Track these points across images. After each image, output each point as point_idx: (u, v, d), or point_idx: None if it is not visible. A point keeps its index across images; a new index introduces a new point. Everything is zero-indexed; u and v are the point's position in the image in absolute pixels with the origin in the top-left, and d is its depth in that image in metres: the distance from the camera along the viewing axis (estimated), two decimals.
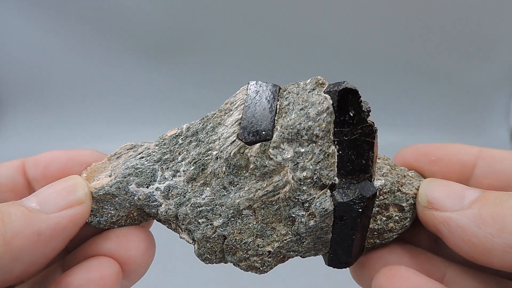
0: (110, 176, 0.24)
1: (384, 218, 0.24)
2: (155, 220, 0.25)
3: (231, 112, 0.23)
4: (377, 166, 0.24)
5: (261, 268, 0.24)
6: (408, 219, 0.24)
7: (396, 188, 0.24)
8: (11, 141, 0.88)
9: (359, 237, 0.22)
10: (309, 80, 0.23)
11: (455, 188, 0.22)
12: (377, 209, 0.24)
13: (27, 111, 0.89)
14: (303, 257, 0.25)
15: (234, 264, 0.24)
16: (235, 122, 0.22)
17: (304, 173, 0.21)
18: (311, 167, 0.21)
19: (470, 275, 0.23)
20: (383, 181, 0.24)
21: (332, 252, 0.23)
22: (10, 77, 0.86)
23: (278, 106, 0.22)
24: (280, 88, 0.23)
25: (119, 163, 0.24)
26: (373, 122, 0.22)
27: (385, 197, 0.24)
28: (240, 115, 0.22)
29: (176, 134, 0.24)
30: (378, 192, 0.23)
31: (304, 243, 0.23)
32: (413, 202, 0.24)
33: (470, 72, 0.86)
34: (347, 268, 0.26)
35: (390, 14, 0.79)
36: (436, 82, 0.86)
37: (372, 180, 0.22)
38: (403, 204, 0.24)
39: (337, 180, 0.22)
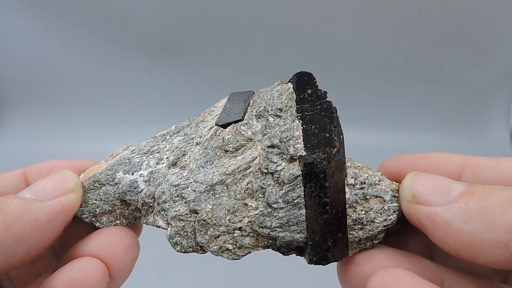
0: None
1: (365, 209, 0.23)
2: (143, 224, 0.26)
3: (213, 112, 0.26)
4: (351, 162, 0.25)
5: (233, 250, 0.23)
6: (392, 211, 0.23)
7: (374, 181, 0.24)
8: (11, 142, 0.88)
9: (335, 215, 0.22)
10: (276, 82, 0.26)
11: (440, 182, 0.21)
12: (355, 197, 0.23)
13: (27, 112, 0.89)
14: (284, 251, 0.24)
15: (205, 248, 0.23)
16: (216, 116, 0.26)
17: (271, 140, 0.23)
18: (278, 134, 0.23)
19: (470, 281, 0.22)
20: (357, 171, 0.24)
21: (309, 236, 0.22)
22: (10, 78, 0.87)
23: (251, 102, 0.26)
24: (254, 92, 0.26)
25: (114, 160, 0.26)
26: (331, 101, 0.24)
27: (362, 186, 0.23)
28: (220, 111, 0.26)
29: (165, 133, 0.27)
30: (353, 180, 0.23)
31: (276, 216, 0.23)
32: (395, 194, 0.23)
33: (470, 72, 0.86)
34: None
35: (389, 14, 0.79)
36: (435, 82, 0.87)
37: (339, 154, 0.23)
38: (383, 196, 0.23)
39: (304, 154, 0.23)
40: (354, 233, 0.23)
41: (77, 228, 0.26)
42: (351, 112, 0.88)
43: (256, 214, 0.23)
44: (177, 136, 0.26)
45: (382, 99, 0.88)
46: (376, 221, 0.23)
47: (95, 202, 0.25)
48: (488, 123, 0.90)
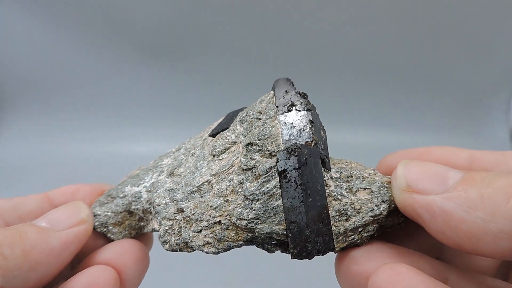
0: None
1: (351, 201, 0.23)
2: (146, 232, 0.28)
3: (211, 128, 0.28)
4: (339, 160, 0.25)
5: (213, 244, 0.23)
6: (381, 201, 0.23)
7: (363, 175, 0.24)
8: (11, 142, 0.88)
9: (312, 203, 0.21)
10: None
11: (436, 169, 0.20)
12: (340, 190, 0.23)
13: (28, 112, 0.89)
14: (267, 247, 0.24)
15: (189, 243, 0.24)
16: (210, 131, 0.27)
17: (250, 138, 0.24)
18: (256, 133, 0.24)
19: (473, 279, 0.21)
20: (344, 166, 0.24)
21: (288, 228, 0.22)
22: (11, 78, 0.87)
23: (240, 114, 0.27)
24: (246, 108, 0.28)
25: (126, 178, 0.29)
26: (308, 100, 0.24)
27: (348, 180, 0.23)
28: (215, 127, 0.27)
29: (169, 151, 0.29)
30: (338, 174, 0.23)
31: (253, 208, 0.23)
32: (385, 185, 0.23)
33: (470, 72, 0.86)
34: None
35: (389, 14, 0.79)
36: (435, 82, 0.87)
37: (318, 147, 0.23)
38: (371, 187, 0.23)
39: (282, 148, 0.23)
40: (339, 224, 0.23)
41: (90, 239, 0.27)
42: (351, 112, 0.88)
43: (235, 207, 0.23)
44: (178, 152, 0.28)
45: (382, 99, 0.88)
46: (363, 211, 0.23)
47: (107, 214, 0.28)
48: (488, 123, 0.90)
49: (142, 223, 0.28)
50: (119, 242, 0.26)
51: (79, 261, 0.27)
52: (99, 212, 0.28)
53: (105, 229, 0.28)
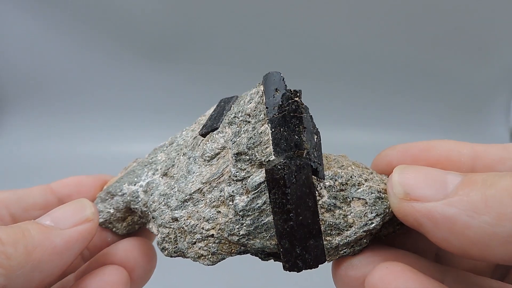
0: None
1: (344, 213, 0.22)
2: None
3: (201, 121, 0.27)
4: (334, 159, 0.24)
5: (207, 256, 0.23)
6: (375, 214, 0.22)
7: (359, 181, 0.23)
8: (15, 143, 0.88)
9: (302, 222, 0.21)
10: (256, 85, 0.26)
11: (433, 174, 0.19)
12: (333, 200, 0.22)
13: (31, 114, 0.89)
14: (261, 256, 0.24)
15: (185, 254, 0.24)
16: (202, 127, 0.26)
17: (239, 148, 0.23)
18: (245, 141, 0.23)
19: (469, 279, 0.21)
20: (340, 171, 0.23)
21: (279, 243, 0.22)
22: (14, 80, 0.87)
23: (231, 108, 0.25)
24: (238, 97, 0.26)
25: (124, 173, 0.29)
26: (299, 101, 0.23)
27: (343, 188, 0.22)
28: (206, 120, 0.26)
29: (163, 145, 0.29)
30: (332, 182, 0.22)
31: (244, 224, 0.22)
32: (380, 195, 0.22)
33: (470, 72, 0.86)
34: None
35: (391, 14, 0.79)
36: (436, 82, 0.87)
37: (310, 156, 0.22)
38: (366, 198, 0.22)
39: (273, 158, 0.22)
40: (331, 238, 0.22)
41: (98, 231, 0.28)
42: (351, 112, 0.88)
43: (226, 221, 0.23)
44: (171, 147, 0.28)
45: (382, 99, 0.88)
46: (355, 225, 0.22)
47: (109, 210, 0.28)
48: (488, 123, 0.90)
49: (143, 220, 0.29)
50: (130, 241, 0.27)
51: (91, 252, 0.28)
52: (101, 209, 0.28)
53: (110, 225, 0.29)
